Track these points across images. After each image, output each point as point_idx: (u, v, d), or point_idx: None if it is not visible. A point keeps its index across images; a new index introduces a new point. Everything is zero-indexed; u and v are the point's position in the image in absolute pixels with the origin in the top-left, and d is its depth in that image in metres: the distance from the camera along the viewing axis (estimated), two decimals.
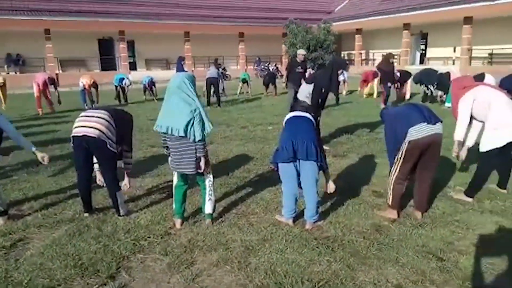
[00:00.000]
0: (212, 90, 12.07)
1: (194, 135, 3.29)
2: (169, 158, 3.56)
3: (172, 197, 4.30)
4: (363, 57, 28.99)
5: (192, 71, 25.03)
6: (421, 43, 26.73)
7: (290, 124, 3.63)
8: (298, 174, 3.48)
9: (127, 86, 13.05)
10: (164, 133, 3.36)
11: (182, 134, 3.26)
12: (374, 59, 28.48)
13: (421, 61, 26.32)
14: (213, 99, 12.21)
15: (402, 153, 3.59)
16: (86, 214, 3.92)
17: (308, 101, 6.49)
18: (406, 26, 24.38)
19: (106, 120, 3.67)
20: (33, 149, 3.90)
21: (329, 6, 32.24)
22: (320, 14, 29.64)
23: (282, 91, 15.53)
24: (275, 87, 15.08)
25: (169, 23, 24.94)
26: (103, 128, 3.60)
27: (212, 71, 12.17)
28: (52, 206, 4.21)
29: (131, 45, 26.14)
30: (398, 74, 12.32)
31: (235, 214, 3.88)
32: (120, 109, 4.09)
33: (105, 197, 4.35)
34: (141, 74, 20.45)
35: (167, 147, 3.50)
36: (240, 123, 9.27)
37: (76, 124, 3.65)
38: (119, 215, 3.85)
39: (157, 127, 3.36)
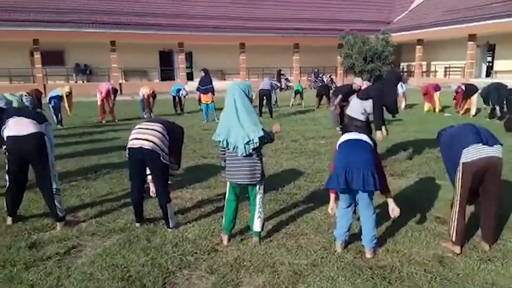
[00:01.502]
0: (264, 102, 12.04)
1: (244, 149, 3.29)
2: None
3: (221, 212, 4.28)
4: (424, 69, 27.72)
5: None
6: (488, 55, 25.11)
7: (344, 149, 3.36)
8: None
9: (184, 96, 13.41)
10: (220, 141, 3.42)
11: (233, 148, 3.32)
12: (436, 71, 27.19)
13: (488, 74, 24.69)
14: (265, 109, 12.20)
15: (458, 178, 3.26)
16: (137, 224, 3.97)
17: (363, 118, 6.24)
18: (472, 37, 23.05)
19: (161, 133, 3.72)
20: None
21: (389, 16, 31.32)
22: (379, 25, 28.82)
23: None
24: (329, 99, 14.75)
25: (225, 35, 25.51)
26: (157, 140, 3.65)
27: (265, 83, 12.17)
28: (106, 214, 4.32)
29: (189, 56, 27.04)
30: (463, 87, 11.58)
31: (284, 234, 3.73)
32: (172, 122, 4.12)
33: (156, 207, 4.39)
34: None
35: (224, 159, 3.48)
36: (291, 136, 9.12)
37: (132, 136, 3.73)
38: (168, 227, 3.85)
39: (216, 136, 3.41)
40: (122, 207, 4.54)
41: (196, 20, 25.93)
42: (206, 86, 11.53)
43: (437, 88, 12.45)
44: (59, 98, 10.26)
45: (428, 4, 29.13)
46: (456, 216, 3.30)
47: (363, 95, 6.47)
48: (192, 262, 3.24)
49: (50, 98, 10.19)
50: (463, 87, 11.54)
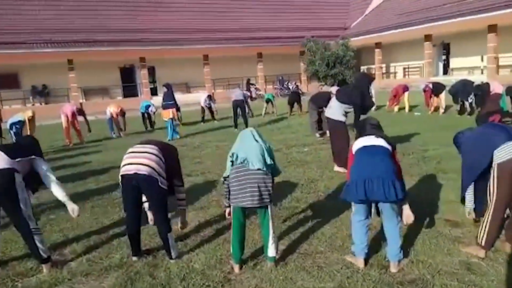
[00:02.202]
0: (239, 112, 11.81)
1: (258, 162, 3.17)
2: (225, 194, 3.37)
3: (223, 235, 4.00)
4: (384, 71, 28.53)
5: (213, 93, 25.11)
6: (443, 53, 26.22)
7: (361, 157, 3.14)
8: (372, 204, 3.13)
9: (154, 113, 12.94)
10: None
11: (243, 161, 3.18)
12: (395, 72, 28.04)
13: (444, 72, 25.75)
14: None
15: (493, 182, 3.11)
16: (134, 258, 3.60)
17: (344, 119, 6.41)
18: (428, 37, 23.97)
19: (156, 156, 3.40)
20: (65, 198, 3.68)
21: (345, 22, 32.11)
22: (337, 31, 29.46)
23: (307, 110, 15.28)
24: (300, 106, 14.79)
25: (188, 48, 25.13)
26: (153, 164, 3.33)
27: (237, 93, 11.97)
28: (96, 249, 3.91)
29: (151, 71, 26.42)
30: (431, 85, 11.89)
31: (298, 253, 3.49)
32: (165, 142, 3.80)
33: (151, 237, 4.06)
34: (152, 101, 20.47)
35: (228, 190, 3.25)
36: (272, 145, 8.91)
37: (125, 162, 3.38)
38: (171, 258, 3.51)
39: (233, 157, 3.25)
40: (112, 239, 4.14)
41: (157, 34, 25.39)
42: (167, 102, 10.70)
43: (405, 88, 12.73)
44: (21, 123, 9.55)
45: (383, 7, 30.15)
46: (489, 221, 3.13)
47: (344, 99, 6.51)
48: None
49: (11, 124, 9.45)
50: (430, 85, 11.84)
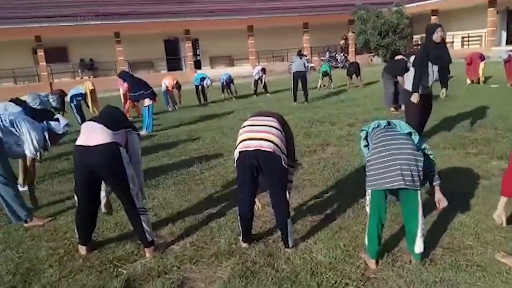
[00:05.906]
0: (299, 85, 11.12)
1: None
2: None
3: (334, 220, 3.53)
4: None
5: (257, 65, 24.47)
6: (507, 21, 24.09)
7: None
8: None
9: (208, 86, 12.50)
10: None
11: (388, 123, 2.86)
12: (452, 42, 26.14)
13: (508, 42, 23.70)
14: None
15: None
16: (244, 245, 3.18)
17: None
18: (491, 3, 22.00)
19: (278, 130, 2.90)
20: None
21: None
22: None
23: (367, 81, 14.38)
24: (360, 77, 13.90)
25: (233, 18, 24.44)
26: (277, 140, 2.84)
27: (298, 64, 11.19)
28: (195, 231, 3.54)
29: (195, 44, 26.00)
30: None
31: (441, 248, 2.93)
32: (279, 114, 3.26)
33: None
34: (206, 73, 20.01)
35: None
36: (343, 119, 8.29)
37: (244, 136, 2.89)
38: (287, 247, 3.07)
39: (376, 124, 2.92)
40: (209, 221, 3.76)
41: (202, 4, 24.89)
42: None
43: (482, 57, 11.57)
44: (82, 96, 9.41)
45: None
46: None
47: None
48: None
49: (72, 97, 9.33)
50: None
